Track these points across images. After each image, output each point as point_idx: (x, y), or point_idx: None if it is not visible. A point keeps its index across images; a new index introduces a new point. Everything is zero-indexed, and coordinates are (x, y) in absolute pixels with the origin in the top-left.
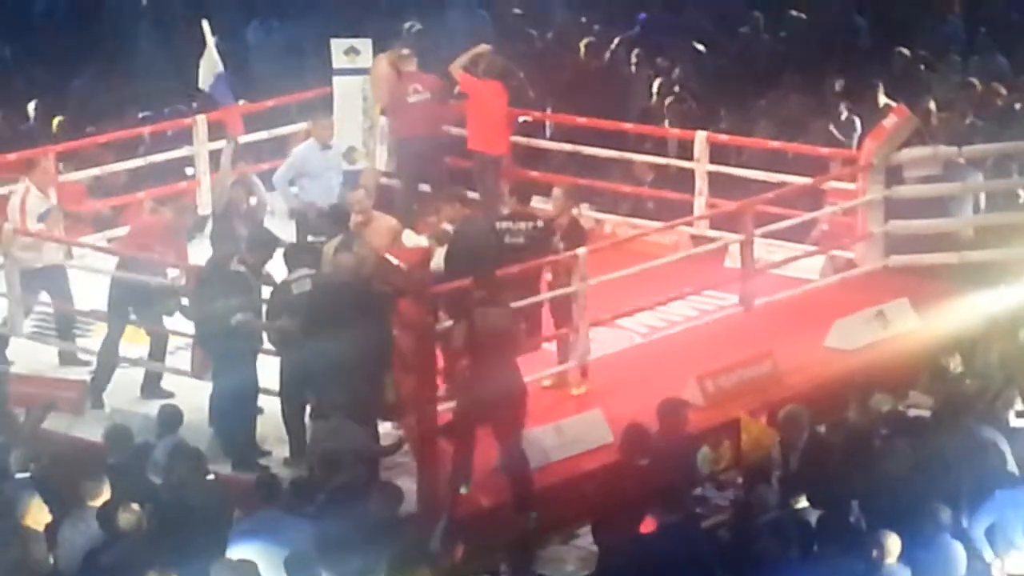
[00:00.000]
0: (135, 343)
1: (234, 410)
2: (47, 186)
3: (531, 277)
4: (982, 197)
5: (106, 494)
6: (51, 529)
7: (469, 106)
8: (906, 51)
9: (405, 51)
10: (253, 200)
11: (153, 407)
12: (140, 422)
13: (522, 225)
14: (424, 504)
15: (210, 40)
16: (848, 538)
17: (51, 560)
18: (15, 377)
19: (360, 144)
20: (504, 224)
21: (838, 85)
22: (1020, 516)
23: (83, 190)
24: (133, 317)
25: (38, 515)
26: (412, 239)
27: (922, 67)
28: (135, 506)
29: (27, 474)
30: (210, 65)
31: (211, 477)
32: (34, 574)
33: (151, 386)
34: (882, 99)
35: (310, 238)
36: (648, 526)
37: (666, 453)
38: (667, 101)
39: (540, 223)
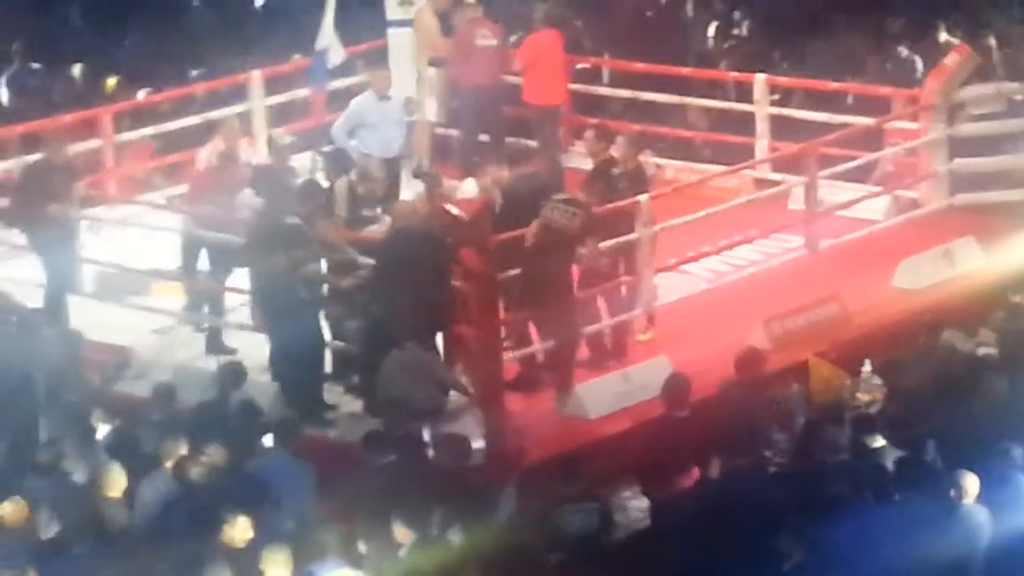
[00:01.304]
0: (173, 297)
1: (299, 365)
2: (235, 144)
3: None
4: None
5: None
6: (128, 491)
7: (526, 56)
8: None
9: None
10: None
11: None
12: (205, 378)
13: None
14: (492, 457)
15: (329, 10)
16: (925, 479)
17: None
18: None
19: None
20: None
21: (897, 24)
22: None
23: (145, 149)
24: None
25: (117, 481)
26: (472, 189)
27: (983, 3)
28: (204, 459)
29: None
30: (322, 37)
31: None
32: (108, 534)
33: (214, 342)
34: (943, 37)
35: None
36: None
37: (737, 399)
38: (725, 44)
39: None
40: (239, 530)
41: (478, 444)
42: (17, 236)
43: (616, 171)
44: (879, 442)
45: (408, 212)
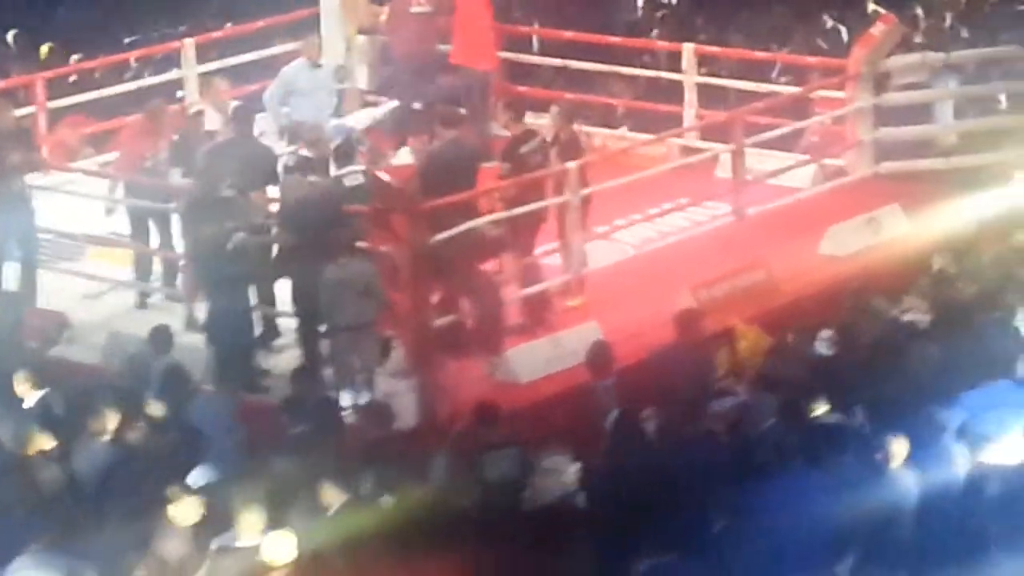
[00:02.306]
0: (120, 264)
1: (232, 332)
2: (221, 104)
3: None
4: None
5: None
6: (63, 453)
7: (455, 19)
8: None
9: None
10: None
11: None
12: (136, 344)
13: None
14: (423, 420)
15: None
16: (853, 443)
17: (63, 483)
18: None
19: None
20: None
21: None
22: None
23: (70, 116)
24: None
25: (41, 443)
26: (406, 158)
27: None
28: (141, 424)
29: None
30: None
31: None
32: (44, 498)
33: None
34: (871, 7)
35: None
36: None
37: (665, 363)
38: (656, 13)
39: (543, 140)
40: (186, 510)
41: (409, 408)
42: None
43: (525, 148)
44: (820, 409)
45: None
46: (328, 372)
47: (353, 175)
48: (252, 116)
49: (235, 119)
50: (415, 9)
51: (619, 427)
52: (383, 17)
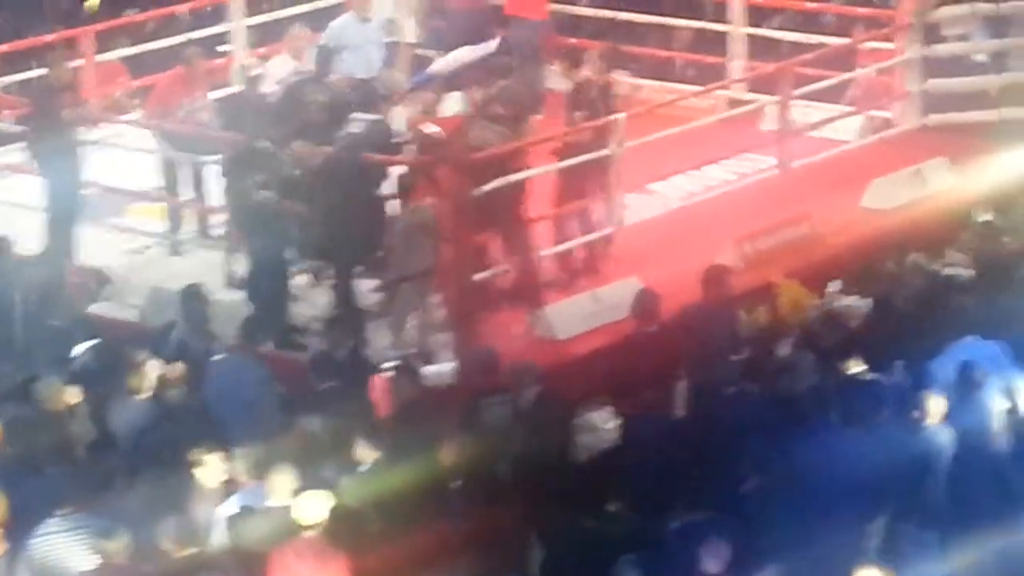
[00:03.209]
0: (156, 218)
1: (268, 287)
2: (300, 53)
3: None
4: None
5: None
6: (98, 411)
7: None
8: None
9: None
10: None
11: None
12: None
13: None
14: (465, 375)
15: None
16: (891, 400)
17: (97, 441)
18: None
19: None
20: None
21: None
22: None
23: (116, 70)
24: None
25: (69, 398)
26: (454, 107)
27: None
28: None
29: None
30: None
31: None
32: (78, 457)
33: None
34: None
35: None
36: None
37: (704, 319)
38: None
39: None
40: (210, 471)
41: (448, 366)
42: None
43: (592, 92)
44: (858, 367)
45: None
46: (361, 325)
47: (358, 123)
48: (332, 57)
49: (318, 60)
50: None
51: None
52: None
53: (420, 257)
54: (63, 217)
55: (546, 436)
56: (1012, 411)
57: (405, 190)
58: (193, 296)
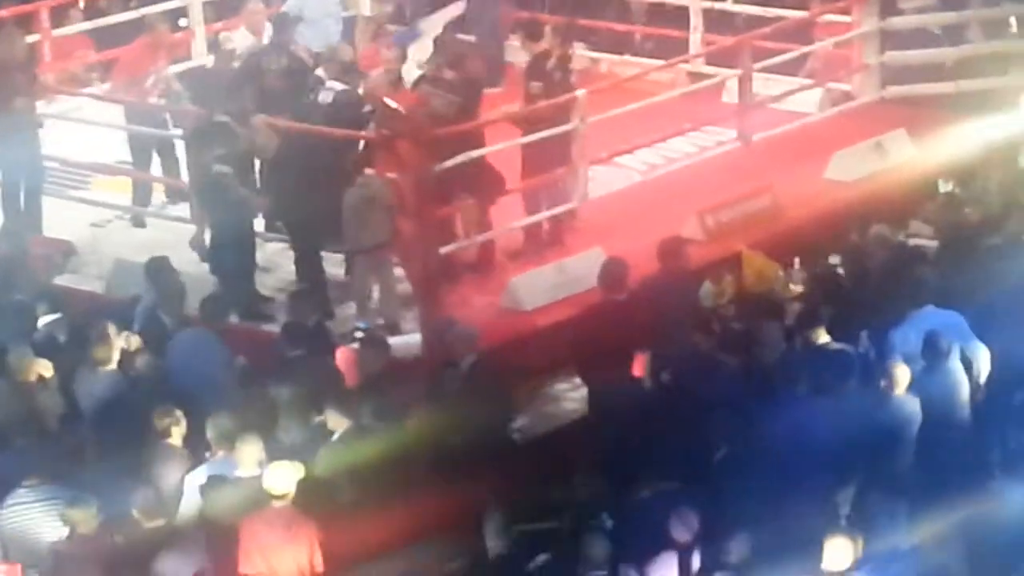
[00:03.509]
0: (125, 193)
1: (232, 259)
2: (258, 27)
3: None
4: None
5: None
6: (65, 382)
7: None
8: None
9: None
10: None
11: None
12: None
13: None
14: (429, 347)
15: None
16: (858, 370)
17: (64, 411)
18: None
19: None
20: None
21: None
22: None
23: (76, 43)
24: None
25: (39, 369)
26: (413, 73)
27: None
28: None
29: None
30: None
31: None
32: (46, 428)
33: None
34: None
35: None
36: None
37: (667, 290)
38: None
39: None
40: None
41: (414, 338)
42: None
43: (550, 64)
44: (824, 337)
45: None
46: (325, 296)
47: (327, 92)
48: (292, 25)
49: (276, 27)
50: None
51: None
52: None
53: (373, 230)
54: (21, 190)
55: (481, 405)
56: (971, 379)
57: (356, 163)
58: (159, 268)
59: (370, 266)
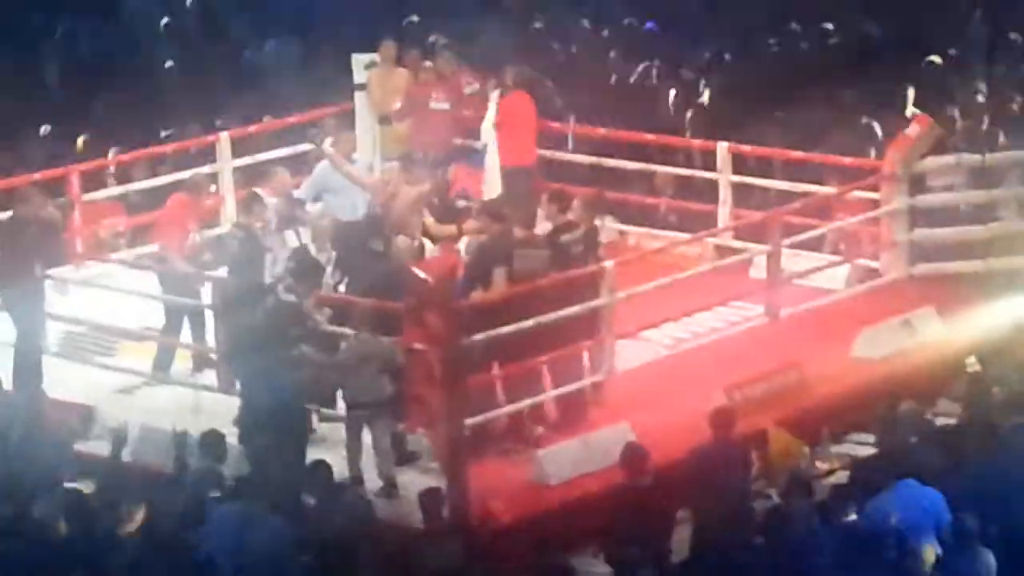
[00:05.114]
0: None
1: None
2: (284, 194)
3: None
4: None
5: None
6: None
7: (500, 122)
8: (937, 59)
9: (427, 63)
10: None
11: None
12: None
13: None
14: (454, 518)
15: None
16: (887, 547)
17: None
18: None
19: None
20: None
21: (858, 95)
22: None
23: (106, 209)
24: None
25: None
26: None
27: (948, 75)
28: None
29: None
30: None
31: None
32: None
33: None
34: (909, 109)
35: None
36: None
37: (716, 462)
38: (689, 113)
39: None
40: None
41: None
42: None
43: (567, 237)
44: (853, 515)
45: None
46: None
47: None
48: (261, 208)
49: (244, 208)
50: (434, 105)
51: None
52: (397, 106)
53: (369, 387)
54: (30, 353)
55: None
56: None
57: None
58: (212, 442)
59: (363, 424)
